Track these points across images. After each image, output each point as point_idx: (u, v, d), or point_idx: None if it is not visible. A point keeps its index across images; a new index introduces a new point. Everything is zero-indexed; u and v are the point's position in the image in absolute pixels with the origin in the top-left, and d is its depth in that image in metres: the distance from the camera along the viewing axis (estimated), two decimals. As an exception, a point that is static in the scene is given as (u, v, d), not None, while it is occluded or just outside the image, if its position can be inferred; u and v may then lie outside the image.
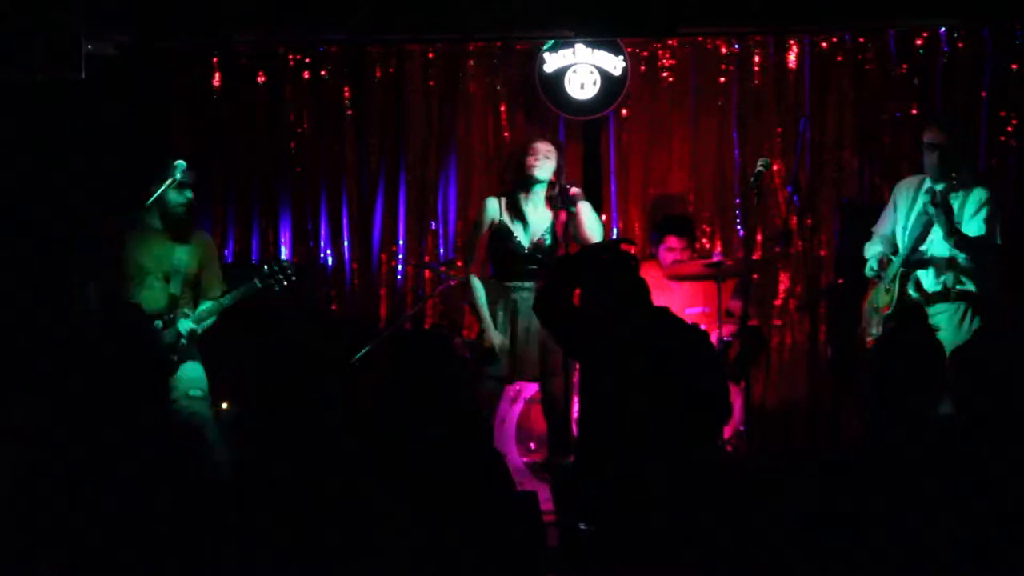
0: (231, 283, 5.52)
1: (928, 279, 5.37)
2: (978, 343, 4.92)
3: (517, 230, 5.60)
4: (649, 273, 6.75)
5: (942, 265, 5.32)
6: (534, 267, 5.58)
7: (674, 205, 7.09)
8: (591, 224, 5.55)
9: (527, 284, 5.58)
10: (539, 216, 5.64)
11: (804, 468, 3.09)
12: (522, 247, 5.58)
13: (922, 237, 5.37)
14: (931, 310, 5.24)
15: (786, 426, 6.95)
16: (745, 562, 3.07)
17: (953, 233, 5.20)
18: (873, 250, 5.65)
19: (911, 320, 4.78)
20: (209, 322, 5.47)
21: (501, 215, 5.61)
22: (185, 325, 5.34)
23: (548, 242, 5.57)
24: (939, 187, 5.36)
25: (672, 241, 6.66)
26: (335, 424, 3.14)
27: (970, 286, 5.30)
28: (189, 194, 5.49)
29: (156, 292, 5.33)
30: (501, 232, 5.60)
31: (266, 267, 5.52)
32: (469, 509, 3.05)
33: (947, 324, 5.23)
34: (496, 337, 5.50)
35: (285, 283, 5.52)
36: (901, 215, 5.57)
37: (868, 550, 2.93)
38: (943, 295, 5.32)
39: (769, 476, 4.91)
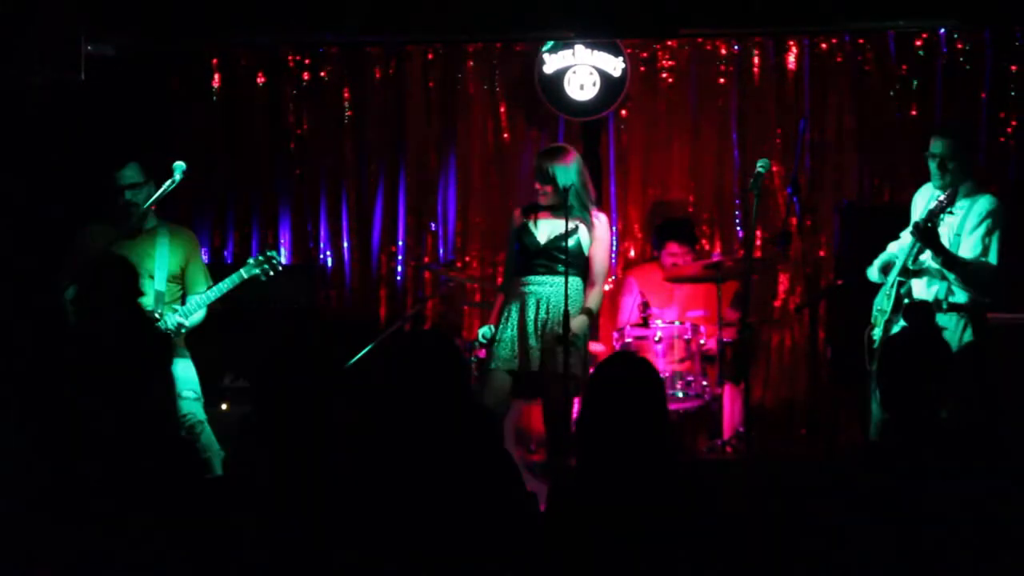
0: (218, 278, 5.52)
1: (920, 288, 5.32)
2: (966, 355, 4.93)
3: (533, 228, 5.61)
4: (651, 275, 6.78)
5: (935, 276, 5.26)
6: (544, 263, 5.55)
7: (674, 210, 7.09)
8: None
9: (537, 279, 5.56)
10: (556, 217, 5.60)
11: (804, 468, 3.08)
12: (536, 243, 5.57)
13: (921, 247, 5.31)
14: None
15: (786, 426, 6.95)
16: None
17: (940, 254, 5.14)
18: (885, 253, 5.57)
19: (918, 318, 4.77)
20: (198, 318, 5.46)
21: (522, 219, 5.66)
22: (172, 320, 5.35)
23: (566, 243, 5.50)
24: (936, 195, 5.29)
25: (673, 247, 6.64)
26: (334, 425, 3.13)
27: (961, 298, 5.22)
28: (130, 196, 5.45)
29: (143, 289, 5.32)
30: (520, 232, 5.63)
31: (251, 259, 5.53)
32: (476, 509, 3.04)
33: (948, 336, 5.18)
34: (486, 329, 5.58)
35: (271, 273, 5.50)
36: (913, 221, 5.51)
37: (867, 551, 2.94)
38: (936, 306, 5.25)
39: (769, 476, 4.93)
